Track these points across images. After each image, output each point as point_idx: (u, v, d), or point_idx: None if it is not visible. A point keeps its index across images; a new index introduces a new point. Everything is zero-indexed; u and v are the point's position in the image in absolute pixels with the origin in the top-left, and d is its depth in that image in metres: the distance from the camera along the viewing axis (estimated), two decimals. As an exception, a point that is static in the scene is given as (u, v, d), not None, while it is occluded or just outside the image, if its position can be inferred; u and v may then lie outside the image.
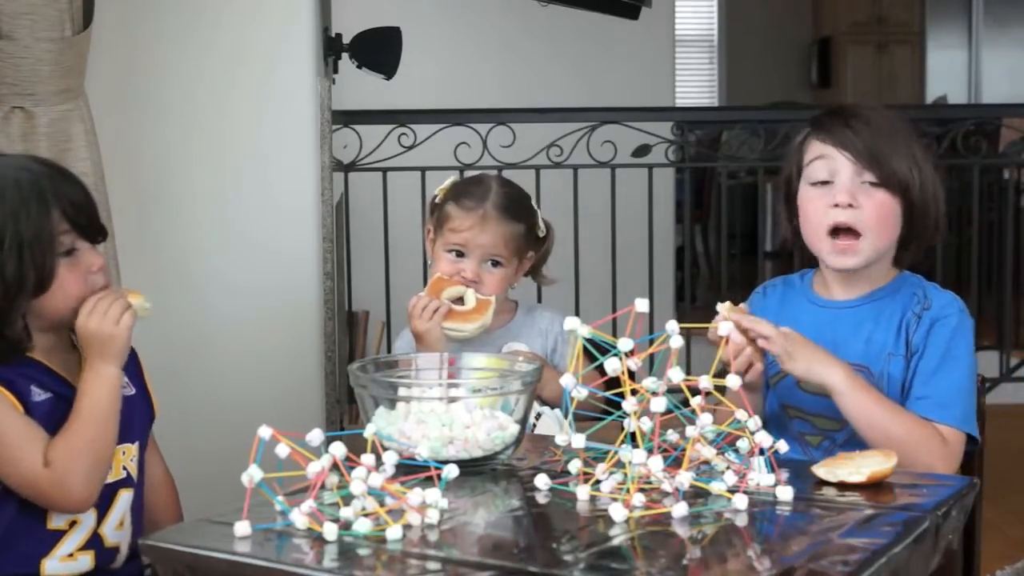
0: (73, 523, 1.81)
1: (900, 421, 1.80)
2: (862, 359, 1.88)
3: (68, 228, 1.79)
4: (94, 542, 1.83)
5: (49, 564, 1.79)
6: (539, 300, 3.54)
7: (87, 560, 1.82)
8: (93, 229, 1.84)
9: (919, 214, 1.88)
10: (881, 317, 1.92)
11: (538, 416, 2.14)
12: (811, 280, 2.02)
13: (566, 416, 1.61)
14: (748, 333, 1.80)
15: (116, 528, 1.86)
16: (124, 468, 1.88)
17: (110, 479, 1.85)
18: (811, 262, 2.02)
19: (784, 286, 2.06)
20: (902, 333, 1.89)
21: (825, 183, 1.88)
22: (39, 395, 1.79)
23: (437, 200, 2.26)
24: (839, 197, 1.85)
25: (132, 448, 1.90)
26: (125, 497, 1.88)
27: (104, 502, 1.84)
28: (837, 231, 1.87)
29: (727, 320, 1.77)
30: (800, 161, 1.93)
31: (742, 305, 1.83)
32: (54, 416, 1.79)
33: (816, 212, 1.89)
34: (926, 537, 1.44)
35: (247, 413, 2.59)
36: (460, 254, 2.19)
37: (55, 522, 1.80)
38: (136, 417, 1.92)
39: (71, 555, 1.81)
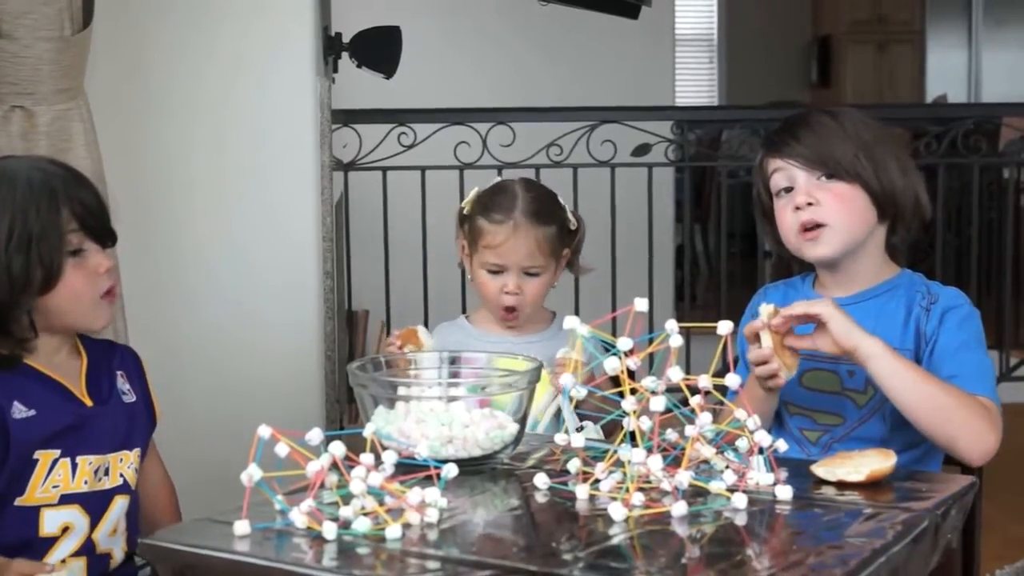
0: (66, 529, 1.81)
1: (947, 389, 1.80)
2: None
3: (77, 227, 1.81)
4: (86, 548, 1.83)
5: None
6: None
7: (79, 566, 1.82)
8: (103, 232, 1.85)
9: (886, 196, 1.94)
10: (883, 314, 1.93)
11: (580, 429, 2.14)
12: (812, 281, 2.04)
13: (566, 417, 1.61)
14: (782, 334, 1.81)
15: (109, 535, 1.86)
16: (121, 475, 1.87)
17: (107, 486, 1.85)
18: (808, 266, 2.05)
19: (786, 287, 2.08)
20: (910, 327, 1.91)
21: (788, 190, 1.97)
22: (20, 412, 1.77)
23: (465, 212, 2.27)
24: (797, 199, 1.94)
25: (130, 455, 1.90)
26: (120, 503, 1.87)
27: (99, 508, 1.84)
28: (805, 229, 1.95)
29: (765, 322, 1.81)
30: (764, 178, 2.02)
31: (780, 309, 1.84)
32: (34, 433, 1.78)
33: (785, 218, 1.97)
34: (925, 536, 1.44)
35: (246, 412, 2.60)
36: (498, 271, 2.21)
37: (47, 528, 1.80)
38: (136, 424, 1.92)
39: (63, 561, 1.80)
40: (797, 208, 1.94)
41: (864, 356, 1.79)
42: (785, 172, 1.97)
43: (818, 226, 1.93)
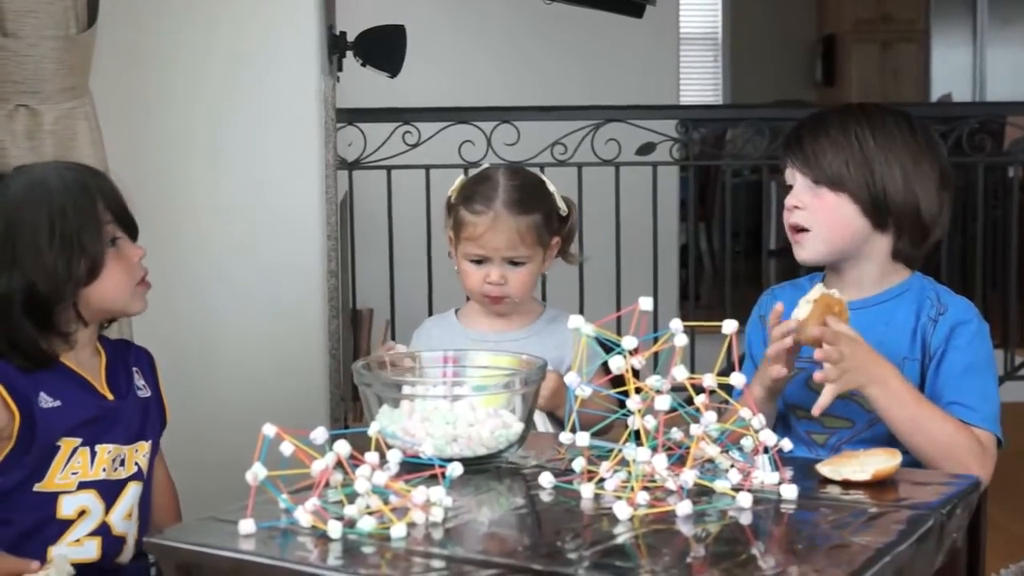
0: (82, 512, 1.85)
1: (942, 427, 1.80)
2: None
3: (111, 219, 1.88)
4: (102, 530, 1.87)
5: (55, 550, 1.82)
6: (544, 299, 3.53)
7: (93, 546, 1.85)
8: (132, 223, 1.93)
9: (877, 207, 1.92)
10: (893, 320, 1.92)
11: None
12: (820, 281, 2.03)
13: (570, 416, 1.61)
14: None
15: (124, 518, 1.89)
16: (136, 464, 1.92)
17: (123, 476, 1.89)
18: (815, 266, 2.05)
19: (792, 288, 2.08)
20: (918, 337, 1.90)
21: (791, 187, 1.99)
22: (47, 402, 1.82)
23: (452, 200, 2.23)
24: (788, 200, 1.97)
25: (145, 445, 1.94)
26: (134, 489, 1.91)
27: (112, 494, 1.88)
28: (793, 230, 1.98)
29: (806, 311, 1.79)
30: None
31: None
32: (59, 423, 1.82)
33: (785, 213, 1.99)
34: (930, 536, 1.44)
35: (251, 411, 2.60)
36: (481, 261, 2.17)
37: (64, 511, 1.83)
38: (150, 417, 1.97)
39: (78, 540, 1.85)
40: (788, 209, 1.96)
41: (863, 395, 1.81)
42: (790, 171, 1.98)
43: (802, 230, 1.94)
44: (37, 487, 1.82)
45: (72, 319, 1.86)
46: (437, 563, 1.34)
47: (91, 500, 1.85)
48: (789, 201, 1.96)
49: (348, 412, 3.19)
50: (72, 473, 1.83)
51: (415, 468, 1.54)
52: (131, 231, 1.93)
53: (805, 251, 1.96)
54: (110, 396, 1.91)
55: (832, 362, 1.76)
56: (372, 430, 1.57)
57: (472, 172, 2.30)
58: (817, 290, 1.81)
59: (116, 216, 1.89)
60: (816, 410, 1.79)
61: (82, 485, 1.84)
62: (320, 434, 1.48)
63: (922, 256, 1.99)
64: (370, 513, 1.44)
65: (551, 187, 2.23)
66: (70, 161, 2.02)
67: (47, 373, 1.85)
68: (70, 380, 1.87)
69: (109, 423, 1.88)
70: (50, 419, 1.82)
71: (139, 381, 1.97)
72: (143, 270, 1.93)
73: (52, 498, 1.83)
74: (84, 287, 1.84)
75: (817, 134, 1.96)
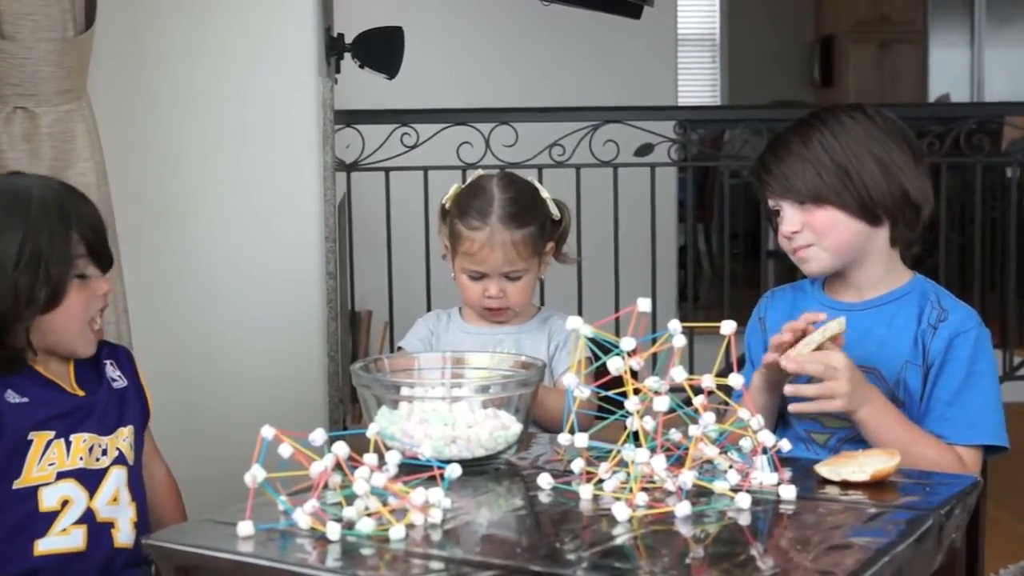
0: (66, 502, 1.84)
1: (924, 450, 1.80)
2: (873, 362, 1.89)
3: (84, 252, 1.87)
4: (86, 517, 1.86)
5: (42, 543, 1.82)
6: (542, 302, 3.53)
7: (79, 535, 1.85)
8: (106, 256, 1.92)
9: (864, 206, 1.91)
10: (894, 323, 1.92)
11: None
12: (821, 284, 2.03)
13: (568, 417, 1.61)
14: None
15: (109, 503, 1.88)
16: (117, 449, 1.91)
17: (105, 464, 1.89)
18: None
19: (793, 291, 2.07)
20: (919, 342, 1.90)
21: (778, 212, 1.97)
22: (14, 398, 1.83)
23: (446, 208, 2.23)
24: (783, 228, 1.95)
25: (125, 430, 1.94)
26: (117, 474, 1.90)
27: (93, 481, 1.87)
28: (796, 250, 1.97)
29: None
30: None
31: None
32: (27, 418, 1.83)
33: (781, 240, 1.98)
34: (929, 536, 1.44)
35: (250, 413, 2.60)
36: (478, 276, 2.16)
37: (47, 503, 1.83)
38: (128, 405, 1.97)
39: (64, 531, 1.84)
40: (786, 236, 1.95)
41: (853, 418, 1.82)
42: (770, 197, 1.97)
43: (808, 246, 1.94)
44: (16, 484, 1.82)
45: (23, 343, 1.85)
46: (436, 564, 1.34)
47: (72, 488, 1.85)
48: (785, 229, 1.94)
49: (347, 414, 3.19)
50: (49, 464, 1.84)
51: (414, 469, 1.54)
52: (103, 264, 1.91)
53: (813, 264, 1.95)
54: (81, 393, 1.91)
55: (825, 397, 1.77)
56: (371, 432, 1.57)
57: (468, 178, 2.29)
58: (837, 324, 1.80)
59: (90, 248, 1.87)
60: (793, 408, 1.81)
61: (61, 475, 1.84)
62: (319, 436, 1.48)
63: (919, 236, 1.98)
64: (369, 515, 1.44)
65: (544, 193, 2.23)
66: (58, 181, 2.00)
67: (15, 375, 1.85)
68: (38, 383, 1.87)
69: (83, 416, 1.88)
70: (17, 414, 1.82)
71: (113, 373, 1.97)
72: (104, 303, 1.92)
73: (32, 492, 1.82)
74: (41, 313, 1.83)
75: (782, 156, 1.94)
